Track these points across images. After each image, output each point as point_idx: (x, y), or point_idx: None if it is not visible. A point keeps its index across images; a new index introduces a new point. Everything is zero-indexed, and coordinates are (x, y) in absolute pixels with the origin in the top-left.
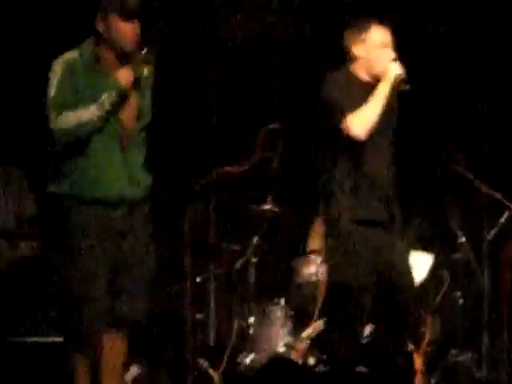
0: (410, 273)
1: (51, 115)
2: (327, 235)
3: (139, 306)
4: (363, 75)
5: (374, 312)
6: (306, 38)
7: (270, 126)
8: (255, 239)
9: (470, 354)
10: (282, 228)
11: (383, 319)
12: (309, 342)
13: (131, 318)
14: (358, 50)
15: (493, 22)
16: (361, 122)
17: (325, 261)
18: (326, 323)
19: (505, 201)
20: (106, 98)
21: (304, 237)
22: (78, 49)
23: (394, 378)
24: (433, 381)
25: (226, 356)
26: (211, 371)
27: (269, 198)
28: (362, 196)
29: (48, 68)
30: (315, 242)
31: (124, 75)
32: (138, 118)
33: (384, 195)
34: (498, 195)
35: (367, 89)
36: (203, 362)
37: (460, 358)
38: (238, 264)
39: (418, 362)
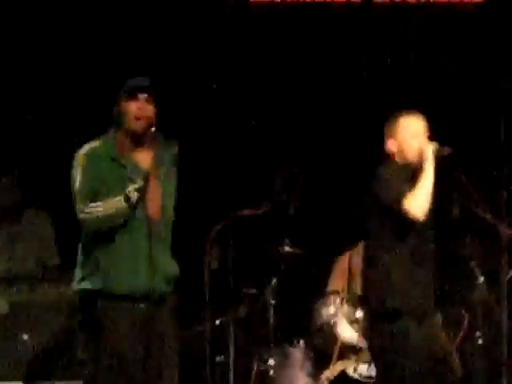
0: (455, 361)
1: (78, 205)
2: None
3: None
4: (409, 162)
5: None
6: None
7: (289, 171)
8: (274, 281)
9: None
10: (300, 270)
11: None
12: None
13: None
14: (391, 145)
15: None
16: (416, 203)
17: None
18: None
19: None
20: (132, 188)
21: (322, 278)
22: (101, 137)
23: None
24: None
25: None
26: None
27: (286, 241)
28: (413, 285)
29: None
30: (336, 282)
31: (144, 159)
32: (163, 208)
33: (429, 285)
34: None
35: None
36: None
37: None
38: (258, 306)
39: None
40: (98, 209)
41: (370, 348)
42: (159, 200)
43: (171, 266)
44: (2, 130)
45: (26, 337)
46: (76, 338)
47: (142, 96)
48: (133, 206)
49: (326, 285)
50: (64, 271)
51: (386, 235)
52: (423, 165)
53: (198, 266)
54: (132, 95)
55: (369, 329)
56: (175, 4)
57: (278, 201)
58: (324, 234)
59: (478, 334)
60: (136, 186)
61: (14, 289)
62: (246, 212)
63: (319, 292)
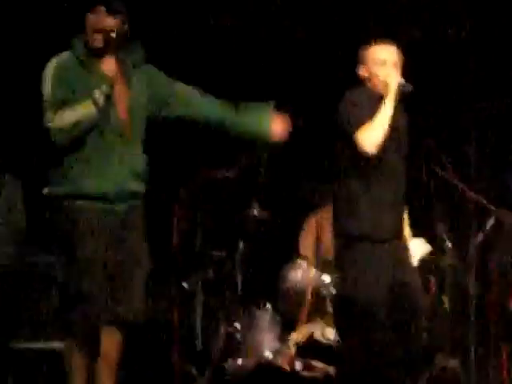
0: (421, 289)
1: (47, 114)
2: (340, 250)
3: (137, 305)
4: (378, 91)
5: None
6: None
7: None
8: (241, 244)
9: (456, 360)
10: (268, 233)
11: (397, 332)
12: (296, 347)
13: (129, 317)
14: (361, 70)
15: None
16: (369, 136)
17: (337, 275)
18: (337, 335)
19: (492, 207)
20: (98, 92)
21: (290, 242)
22: (70, 49)
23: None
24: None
25: (212, 361)
26: (198, 376)
27: (254, 204)
28: (378, 215)
29: (42, 68)
30: (303, 247)
31: (107, 64)
32: (131, 110)
33: (397, 213)
34: (485, 202)
35: (375, 100)
36: (190, 367)
37: (447, 364)
38: (225, 269)
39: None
40: (67, 116)
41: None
42: (126, 102)
43: (141, 163)
44: None
45: None
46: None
47: (101, 8)
48: (100, 110)
49: (293, 249)
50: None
51: (353, 166)
52: (385, 97)
53: (166, 227)
54: (92, 8)
55: (336, 258)
56: None
57: (248, 164)
58: (292, 198)
59: (444, 299)
60: (104, 90)
61: None
62: (216, 174)
63: (287, 255)
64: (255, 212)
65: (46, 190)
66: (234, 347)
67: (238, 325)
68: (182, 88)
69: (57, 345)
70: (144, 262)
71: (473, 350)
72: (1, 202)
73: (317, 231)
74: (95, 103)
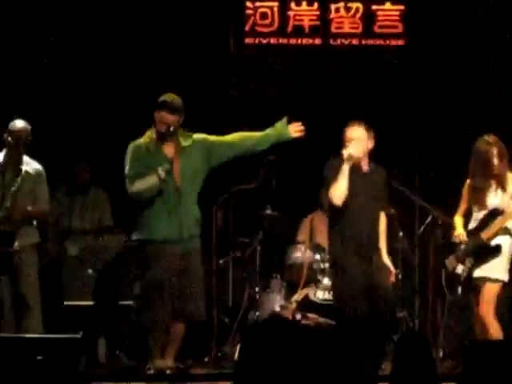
0: (388, 289)
1: (127, 184)
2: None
3: (200, 308)
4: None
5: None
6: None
7: (270, 158)
8: (259, 234)
9: (406, 312)
10: (278, 226)
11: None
12: (296, 304)
13: (196, 316)
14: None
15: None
16: (333, 193)
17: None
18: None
19: (429, 207)
20: (160, 168)
21: (292, 232)
22: (142, 137)
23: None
24: None
25: (240, 314)
26: (230, 324)
27: (268, 206)
28: (352, 240)
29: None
30: (302, 235)
31: (168, 149)
32: (183, 175)
33: (363, 243)
34: (426, 204)
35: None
36: (224, 318)
37: (400, 314)
38: (248, 251)
39: None
40: (140, 186)
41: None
42: (179, 173)
43: (195, 214)
44: (76, 132)
45: (90, 271)
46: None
47: (164, 109)
48: (162, 180)
49: (295, 237)
50: (115, 228)
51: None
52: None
53: (208, 223)
54: (159, 108)
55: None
56: None
57: (263, 179)
58: (294, 202)
59: (398, 271)
60: (164, 167)
61: (83, 239)
62: (242, 186)
63: (290, 241)
64: (269, 212)
65: (133, 237)
66: (254, 304)
67: (257, 289)
68: (215, 140)
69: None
70: (200, 282)
71: (417, 304)
72: (93, 206)
73: (310, 225)
74: (158, 176)
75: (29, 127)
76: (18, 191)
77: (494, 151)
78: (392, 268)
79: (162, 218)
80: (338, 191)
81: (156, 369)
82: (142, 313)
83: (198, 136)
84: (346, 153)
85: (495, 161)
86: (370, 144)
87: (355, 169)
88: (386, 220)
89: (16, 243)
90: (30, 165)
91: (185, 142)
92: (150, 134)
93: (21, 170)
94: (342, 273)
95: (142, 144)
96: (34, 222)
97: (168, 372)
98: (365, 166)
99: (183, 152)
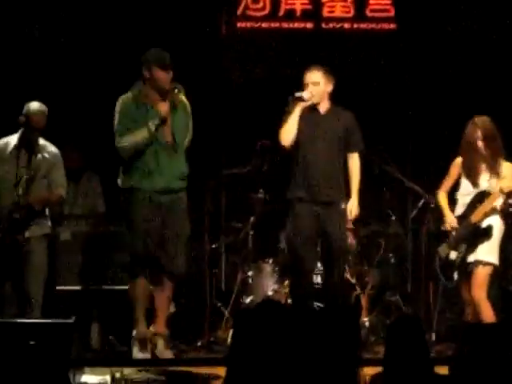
0: (343, 237)
1: (116, 139)
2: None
3: (181, 261)
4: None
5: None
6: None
7: (263, 142)
8: (252, 218)
9: (398, 296)
10: (269, 210)
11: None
12: (288, 288)
13: (175, 269)
14: None
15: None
16: (282, 134)
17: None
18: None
19: (422, 191)
20: (151, 124)
21: (283, 217)
22: (130, 90)
23: (347, 312)
24: (374, 313)
25: (232, 298)
26: (223, 309)
27: (261, 190)
28: (304, 182)
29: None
30: None
31: (163, 107)
32: (175, 133)
33: (320, 184)
34: (418, 188)
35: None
36: (217, 303)
37: (392, 298)
38: (241, 236)
39: (364, 301)
40: (129, 140)
41: None
42: (170, 129)
43: (183, 169)
44: (68, 118)
45: (81, 255)
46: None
47: (169, 69)
48: (152, 135)
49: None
50: (108, 215)
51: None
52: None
53: (200, 207)
54: (164, 68)
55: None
56: None
57: (256, 163)
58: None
59: (391, 255)
60: (155, 122)
61: (75, 224)
62: (234, 171)
63: (283, 226)
64: (261, 196)
65: (119, 181)
66: (247, 288)
67: (250, 273)
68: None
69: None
70: (184, 234)
71: (409, 288)
72: (85, 192)
73: None
74: (149, 131)
75: (46, 109)
76: (32, 177)
77: (479, 133)
78: (351, 214)
79: (150, 169)
80: (286, 132)
81: (140, 337)
82: (129, 268)
83: (184, 95)
84: (297, 94)
85: (479, 143)
86: (329, 87)
87: (313, 113)
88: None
89: (27, 232)
90: (45, 148)
91: (176, 99)
92: (140, 89)
93: (36, 155)
94: (294, 219)
95: (133, 98)
96: (47, 212)
97: (155, 337)
98: (323, 109)
99: (174, 108)
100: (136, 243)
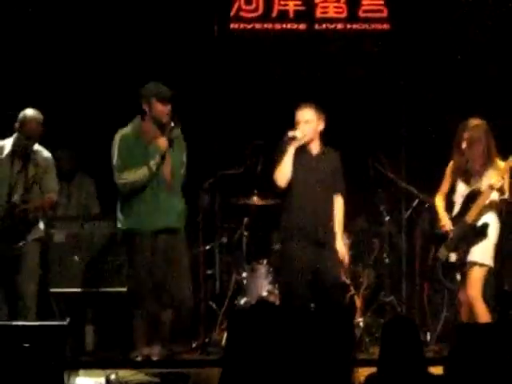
0: (337, 275)
1: (115, 174)
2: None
3: (186, 297)
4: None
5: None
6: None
7: (256, 143)
8: (246, 219)
9: (393, 296)
10: (263, 212)
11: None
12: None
13: (182, 305)
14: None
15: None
16: (277, 174)
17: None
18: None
19: (416, 192)
20: (153, 163)
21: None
22: (129, 125)
23: (342, 312)
24: (368, 314)
25: (227, 299)
26: (217, 310)
27: (255, 192)
28: (297, 222)
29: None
30: None
31: (162, 142)
32: (174, 171)
33: (314, 224)
34: (412, 188)
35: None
36: (212, 304)
37: (387, 299)
38: (235, 237)
39: (358, 301)
40: (129, 177)
41: None
42: (170, 167)
43: (181, 207)
44: (61, 118)
45: (76, 258)
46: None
47: (169, 103)
48: (153, 174)
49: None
50: (103, 216)
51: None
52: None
53: (195, 209)
54: (163, 102)
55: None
56: None
57: (248, 164)
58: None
59: (385, 255)
60: (156, 161)
61: (69, 226)
62: (228, 171)
63: (277, 227)
64: (255, 197)
65: (118, 223)
66: (241, 290)
67: (244, 274)
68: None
69: (123, 289)
70: (186, 269)
71: (404, 288)
72: (78, 193)
73: None
74: (150, 170)
75: (41, 117)
76: (29, 187)
77: (465, 135)
78: (345, 255)
79: (150, 209)
80: (281, 173)
81: (143, 356)
82: (129, 302)
83: (179, 131)
84: (290, 134)
85: (463, 145)
86: (321, 126)
87: (304, 151)
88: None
89: (20, 243)
90: (39, 154)
91: (173, 135)
92: (138, 124)
93: (30, 162)
94: (288, 259)
95: (131, 134)
96: (41, 223)
97: (155, 358)
98: (315, 149)
99: (172, 145)
100: (138, 280)
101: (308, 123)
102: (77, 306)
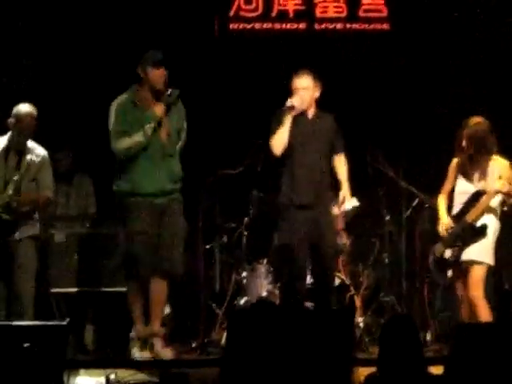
0: (333, 240)
1: (112, 140)
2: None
3: (177, 261)
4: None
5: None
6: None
7: (256, 142)
8: (246, 219)
9: (393, 296)
10: (263, 210)
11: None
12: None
13: (172, 269)
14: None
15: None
16: (273, 143)
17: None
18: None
19: (416, 191)
20: (148, 127)
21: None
22: (126, 92)
23: (341, 312)
24: (368, 314)
25: (227, 299)
26: (217, 310)
27: (255, 190)
28: (295, 187)
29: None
30: None
31: (158, 108)
32: (170, 135)
33: (311, 188)
34: (412, 188)
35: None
36: (211, 303)
37: (386, 299)
38: (235, 236)
39: (358, 301)
40: (125, 142)
41: None
42: (167, 131)
43: (177, 171)
44: (58, 118)
45: (76, 257)
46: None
47: (162, 67)
48: (148, 139)
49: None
50: (102, 216)
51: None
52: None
53: (195, 208)
54: (157, 66)
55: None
56: None
57: (249, 163)
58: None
59: (385, 255)
60: (151, 125)
61: (69, 225)
62: (228, 171)
63: (276, 226)
64: (255, 196)
65: (114, 187)
66: (241, 289)
67: (244, 274)
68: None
69: (123, 289)
70: (180, 235)
71: (404, 288)
72: (77, 193)
73: None
74: (145, 134)
75: (35, 112)
76: (21, 179)
77: (465, 133)
78: (344, 200)
79: (146, 172)
80: (278, 141)
81: (139, 336)
82: (124, 268)
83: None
84: (288, 103)
85: (463, 143)
86: (317, 93)
87: (301, 118)
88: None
89: (17, 233)
90: (34, 151)
91: (170, 100)
92: (135, 91)
93: (24, 157)
94: (286, 223)
95: (128, 100)
96: (36, 215)
97: (154, 337)
98: (311, 115)
99: (169, 110)
100: (132, 245)
101: (306, 90)
102: (77, 306)
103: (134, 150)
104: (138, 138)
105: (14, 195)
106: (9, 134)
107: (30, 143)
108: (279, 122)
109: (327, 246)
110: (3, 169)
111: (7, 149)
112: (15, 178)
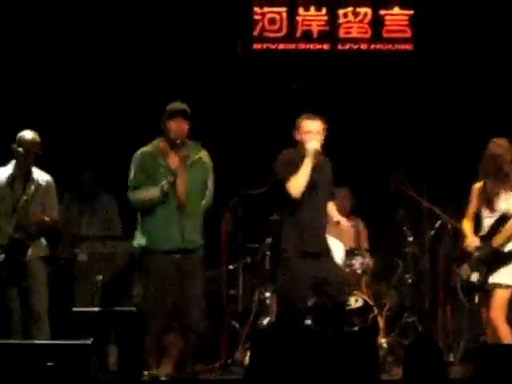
0: (341, 281)
1: (129, 191)
2: (278, 262)
3: (196, 319)
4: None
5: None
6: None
7: None
8: (268, 239)
9: (416, 317)
10: None
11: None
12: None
13: (191, 327)
14: (295, 135)
15: None
16: (294, 185)
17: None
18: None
19: (439, 212)
20: (164, 183)
21: None
22: (148, 144)
23: (365, 334)
24: (392, 335)
25: (250, 319)
26: (240, 330)
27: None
28: (301, 233)
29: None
30: None
31: (172, 159)
32: (189, 191)
33: (317, 235)
34: (436, 208)
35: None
36: (235, 323)
37: (410, 319)
38: (258, 256)
39: (381, 322)
40: (141, 195)
41: None
42: (185, 186)
43: (196, 229)
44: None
45: (99, 277)
46: (133, 277)
47: (180, 118)
48: (164, 194)
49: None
50: (125, 236)
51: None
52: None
53: (218, 228)
54: (173, 117)
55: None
56: None
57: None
58: None
59: (408, 275)
60: (168, 179)
61: (92, 245)
62: (251, 191)
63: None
64: (276, 218)
65: (134, 242)
66: (264, 309)
67: (267, 294)
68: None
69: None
70: (199, 292)
71: (427, 309)
72: (101, 213)
73: None
74: (161, 190)
75: (38, 139)
76: (29, 202)
77: (508, 156)
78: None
79: (163, 229)
80: (299, 184)
81: (151, 375)
82: (139, 323)
83: (206, 153)
84: (311, 146)
85: (507, 166)
86: (323, 137)
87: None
88: None
89: (29, 252)
90: (39, 176)
91: (195, 154)
92: (157, 143)
93: (31, 181)
94: (289, 274)
95: (148, 153)
96: (43, 240)
97: (163, 379)
98: (318, 159)
99: (192, 165)
100: (147, 300)
101: (320, 134)
102: (100, 326)
103: (150, 204)
104: (153, 192)
105: (24, 216)
106: (13, 162)
107: (35, 169)
108: (293, 165)
109: (333, 288)
110: (10, 196)
111: (13, 176)
112: (24, 197)
